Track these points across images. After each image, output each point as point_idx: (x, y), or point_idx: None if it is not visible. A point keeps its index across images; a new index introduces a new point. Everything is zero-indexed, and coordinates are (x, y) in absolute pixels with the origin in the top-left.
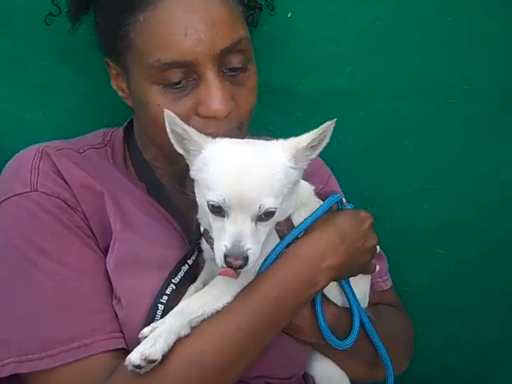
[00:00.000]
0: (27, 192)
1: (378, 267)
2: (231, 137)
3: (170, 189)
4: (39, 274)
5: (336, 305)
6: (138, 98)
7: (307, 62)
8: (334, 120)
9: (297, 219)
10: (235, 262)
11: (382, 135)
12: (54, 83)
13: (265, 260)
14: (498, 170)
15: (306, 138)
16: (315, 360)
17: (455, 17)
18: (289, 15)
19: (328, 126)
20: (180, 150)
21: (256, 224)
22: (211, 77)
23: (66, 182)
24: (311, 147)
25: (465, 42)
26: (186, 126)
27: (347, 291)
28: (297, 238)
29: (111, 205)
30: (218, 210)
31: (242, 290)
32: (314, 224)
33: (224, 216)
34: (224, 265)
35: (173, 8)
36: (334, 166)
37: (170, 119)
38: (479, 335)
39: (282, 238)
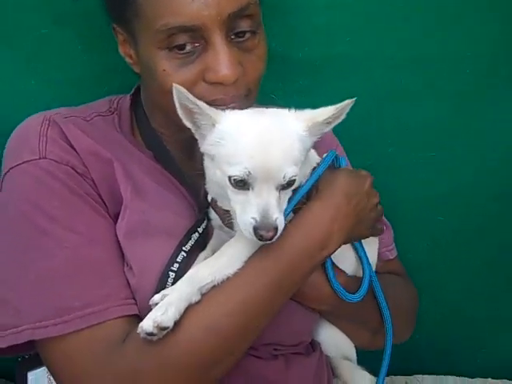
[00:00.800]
0: (36, 159)
1: (384, 228)
2: (239, 104)
3: (178, 157)
4: (49, 241)
5: (345, 272)
6: (146, 64)
7: (309, 29)
8: (354, 99)
9: None
10: (267, 234)
11: (383, 103)
12: (52, 52)
13: None
14: (497, 136)
15: (324, 114)
16: (322, 327)
17: None
18: None
19: (347, 104)
20: (189, 124)
21: (280, 193)
22: (219, 42)
23: (74, 150)
24: (328, 122)
25: (464, 8)
26: (197, 101)
27: (359, 250)
28: (301, 203)
29: (121, 172)
30: (241, 184)
31: (252, 256)
32: (318, 185)
33: (248, 189)
34: (254, 237)
35: None
36: (335, 134)
37: (180, 93)
38: (477, 304)
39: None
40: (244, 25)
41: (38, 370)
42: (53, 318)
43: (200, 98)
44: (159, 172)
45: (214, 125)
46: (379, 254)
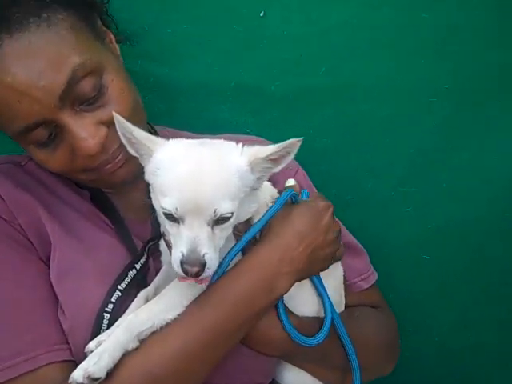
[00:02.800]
0: None
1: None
2: (124, 149)
3: (115, 196)
4: None
5: (297, 315)
6: None
7: (281, 61)
8: (301, 138)
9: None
10: (192, 269)
11: (360, 136)
12: None
13: (218, 267)
14: (479, 168)
15: (266, 150)
16: (285, 369)
17: (431, 14)
18: (261, 14)
19: (292, 143)
20: (133, 153)
21: (212, 228)
22: (68, 122)
23: (0, 197)
24: (272, 160)
25: (443, 39)
26: (133, 131)
27: (318, 288)
28: (253, 242)
29: (46, 215)
30: (171, 217)
31: (194, 300)
32: (270, 225)
33: (179, 222)
34: (181, 272)
35: None
36: (312, 168)
37: (119, 123)
38: (467, 342)
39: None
40: (85, 87)
41: None
42: None
43: (84, 169)
44: (93, 212)
45: (151, 154)
46: (352, 285)
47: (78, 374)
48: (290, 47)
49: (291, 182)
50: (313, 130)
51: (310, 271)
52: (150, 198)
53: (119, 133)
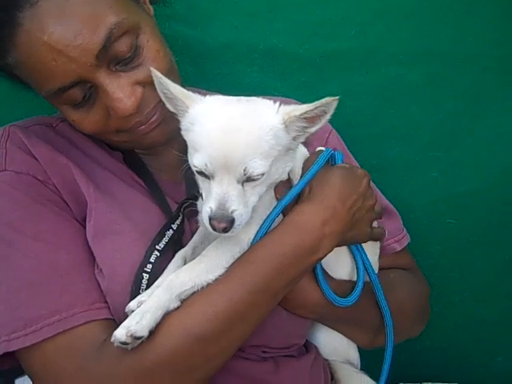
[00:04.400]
0: None
1: (387, 232)
2: (160, 109)
3: (147, 157)
4: (15, 252)
5: (333, 278)
6: None
7: (310, 25)
8: (337, 97)
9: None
10: (219, 225)
11: (388, 100)
12: None
13: (260, 228)
14: (506, 134)
15: (302, 109)
16: (317, 330)
17: None
18: None
19: (328, 102)
20: (171, 109)
21: (243, 185)
22: (103, 82)
23: (34, 157)
24: (308, 119)
25: (472, 3)
26: (170, 86)
27: (355, 253)
28: (293, 202)
29: (80, 175)
30: (203, 173)
31: (236, 260)
32: (310, 186)
33: (210, 178)
34: (210, 228)
35: (32, 39)
36: (339, 132)
37: (157, 78)
38: (489, 308)
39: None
40: (121, 47)
41: (25, 377)
42: (23, 329)
43: (118, 130)
44: (126, 173)
45: (187, 110)
46: (385, 247)
47: (120, 332)
48: (319, 10)
49: (321, 148)
50: (341, 93)
51: (352, 235)
52: (186, 156)
53: (158, 90)
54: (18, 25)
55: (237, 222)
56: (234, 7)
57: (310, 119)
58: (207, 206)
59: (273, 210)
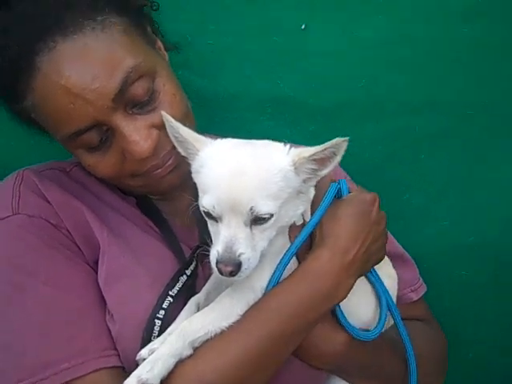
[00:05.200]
0: (9, 216)
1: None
2: (176, 153)
3: (160, 203)
4: (26, 297)
5: None
6: None
7: (321, 74)
8: (347, 138)
9: None
10: (225, 268)
11: (397, 149)
12: None
13: (273, 274)
14: None
15: (311, 150)
16: (333, 379)
17: (470, 27)
18: (303, 27)
19: (338, 143)
20: (183, 152)
21: (252, 229)
22: (120, 124)
23: (47, 201)
24: (317, 161)
25: (482, 54)
26: (180, 129)
27: (372, 280)
28: (306, 245)
29: (93, 219)
30: (211, 216)
31: (250, 308)
32: (321, 225)
33: (217, 221)
34: (217, 272)
35: (49, 83)
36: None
37: (167, 121)
38: (504, 360)
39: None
40: (138, 90)
41: None
42: (31, 377)
43: (133, 173)
44: (139, 218)
45: (197, 153)
46: (401, 296)
47: (131, 381)
48: (329, 60)
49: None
50: (350, 143)
51: (365, 269)
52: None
53: (168, 131)
54: (36, 69)
55: (244, 266)
56: (244, 57)
57: (320, 161)
58: (214, 250)
59: (285, 255)
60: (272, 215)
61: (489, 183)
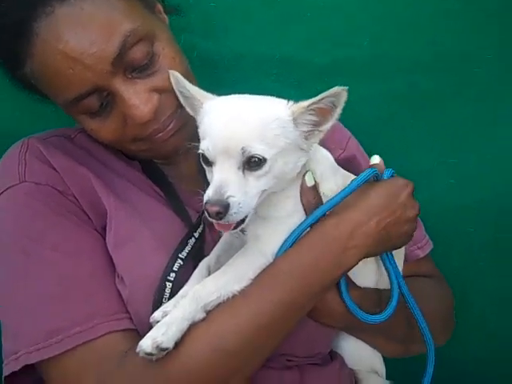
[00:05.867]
0: (16, 184)
1: None
2: (177, 116)
3: (165, 167)
4: (35, 264)
5: (359, 287)
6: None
7: (325, 34)
8: (346, 88)
9: (326, 193)
10: (211, 209)
11: (403, 107)
12: None
13: (285, 241)
14: None
15: (309, 100)
16: (342, 339)
17: None
18: None
19: (337, 92)
20: (190, 112)
21: (244, 173)
22: (119, 88)
23: (53, 168)
24: (317, 112)
25: (486, 9)
26: (186, 85)
27: (386, 263)
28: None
29: (99, 185)
30: (207, 161)
31: (261, 273)
32: (346, 200)
33: (212, 164)
34: (206, 214)
35: (48, 48)
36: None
37: (175, 80)
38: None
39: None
40: (137, 54)
41: None
42: (44, 340)
43: (135, 138)
44: (145, 183)
45: (201, 106)
46: (408, 254)
47: (146, 343)
48: (334, 19)
49: (376, 158)
50: (356, 102)
51: (382, 247)
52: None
53: (176, 91)
54: (35, 34)
55: (233, 210)
56: (248, 18)
57: (321, 113)
58: (206, 194)
59: (300, 225)
60: (265, 160)
61: (494, 140)
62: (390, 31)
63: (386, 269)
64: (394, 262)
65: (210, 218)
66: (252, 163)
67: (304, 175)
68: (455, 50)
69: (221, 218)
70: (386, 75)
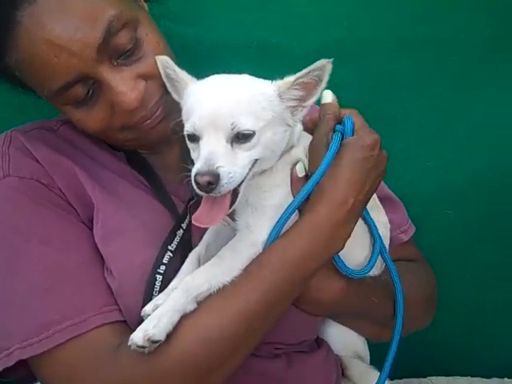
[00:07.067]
0: (0, 178)
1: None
2: (163, 103)
3: (149, 156)
4: (23, 258)
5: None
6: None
7: (302, 19)
8: (331, 60)
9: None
10: (202, 179)
11: (381, 92)
12: None
13: (273, 229)
14: (498, 119)
15: (295, 76)
16: (328, 325)
17: None
18: None
19: (323, 65)
20: (176, 97)
21: (232, 146)
22: (106, 76)
23: (37, 161)
24: (302, 87)
25: None
26: (176, 69)
27: (367, 219)
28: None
29: (85, 177)
30: (194, 138)
31: (251, 262)
32: (324, 180)
33: (199, 140)
34: (196, 188)
35: (32, 38)
36: None
37: (163, 63)
38: (488, 299)
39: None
40: (122, 39)
41: None
42: (36, 336)
43: (123, 126)
44: (130, 173)
45: (186, 87)
46: (391, 238)
47: (137, 336)
48: (310, 4)
49: (328, 95)
50: (335, 85)
51: (362, 211)
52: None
53: (163, 75)
54: (17, 23)
55: (224, 180)
56: (226, 4)
57: (306, 87)
58: (194, 168)
59: (284, 211)
60: (254, 133)
61: (473, 123)
62: (367, 16)
63: (366, 222)
64: (369, 216)
65: (200, 191)
66: (241, 136)
67: (294, 165)
68: (431, 30)
69: (212, 190)
70: (362, 59)
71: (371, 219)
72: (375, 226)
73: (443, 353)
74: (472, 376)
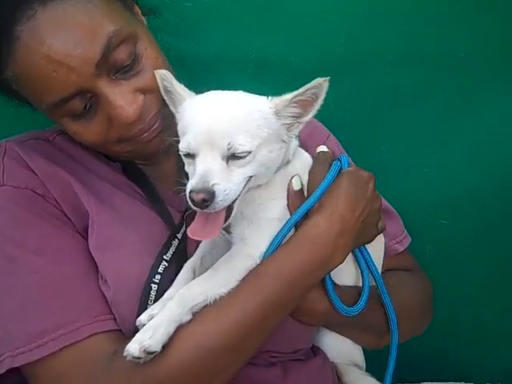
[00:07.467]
0: None
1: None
2: (161, 116)
3: (146, 168)
4: (18, 268)
5: (338, 285)
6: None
7: (301, 33)
8: (327, 78)
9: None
10: (197, 196)
11: (380, 105)
12: None
13: (271, 242)
14: (495, 134)
15: (292, 94)
16: (323, 334)
17: None
18: None
19: (319, 83)
20: (173, 109)
21: (228, 163)
22: (104, 90)
23: (32, 171)
24: (299, 104)
25: (461, 6)
26: (174, 82)
27: (359, 258)
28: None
29: (80, 188)
30: (188, 156)
31: (248, 274)
32: (323, 199)
33: (194, 159)
34: (191, 204)
35: (31, 52)
36: (335, 136)
37: (162, 77)
38: (482, 307)
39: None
40: (121, 55)
41: None
42: (28, 344)
43: (120, 139)
44: (126, 184)
45: (182, 102)
46: (387, 248)
47: (133, 347)
48: (309, 18)
49: (323, 148)
50: (333, 100)
51: (361, 240)
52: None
53: (161, 88)
54: (16, 39)
55: (219, 197)
56: (225, 18)
57: (303, 105)
58: (189, 184)
59: (284, 225)
60: (250, 152)
61: (472, 136)
62: (366, 29)
63: (359, 264)
64: (366, 250)
65: (194, 207)
66: (237, 157)
67: (291, 179)
68: (430, 45)
69: (206, 206)
70: (362, 73)
71: (369, 258)
72: (368, 265)
73: (437, 358)
74: (465, 382)
